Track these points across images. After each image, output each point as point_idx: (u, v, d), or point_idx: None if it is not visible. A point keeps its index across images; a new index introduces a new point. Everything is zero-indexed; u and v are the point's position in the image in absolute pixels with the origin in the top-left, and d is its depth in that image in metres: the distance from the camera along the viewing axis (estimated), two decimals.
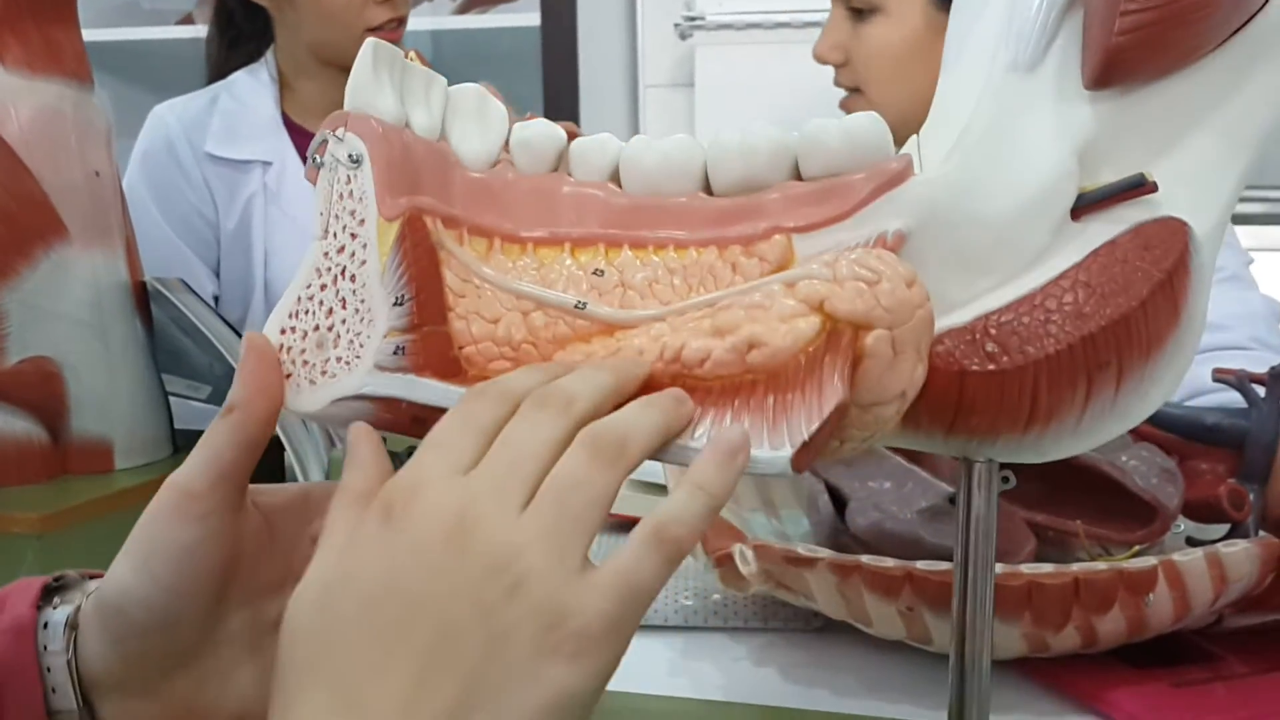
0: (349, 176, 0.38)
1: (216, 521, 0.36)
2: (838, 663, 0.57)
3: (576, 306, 0.37)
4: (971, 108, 0.39)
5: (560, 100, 1.89)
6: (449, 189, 0.39)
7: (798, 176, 0.38)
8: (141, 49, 1.96)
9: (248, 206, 1.34)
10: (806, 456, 0.34)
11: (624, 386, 0.35)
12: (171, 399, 0.92)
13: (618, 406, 0.34)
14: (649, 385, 0.35)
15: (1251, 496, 0.60)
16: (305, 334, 0.38)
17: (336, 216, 0.38)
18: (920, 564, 0.50)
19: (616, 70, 1.96)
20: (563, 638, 0.30)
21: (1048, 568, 0.49)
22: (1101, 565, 0.50)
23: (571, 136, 0.41)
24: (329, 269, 0.38)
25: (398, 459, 0.34)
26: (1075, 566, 0.49)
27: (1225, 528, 0.61)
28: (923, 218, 0.37)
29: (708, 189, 0.39)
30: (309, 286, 0.38)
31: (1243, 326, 1.01)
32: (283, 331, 0.38)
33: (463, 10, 2.02)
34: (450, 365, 0.37)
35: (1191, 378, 0.90)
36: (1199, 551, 0.49)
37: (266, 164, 1.34)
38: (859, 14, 1.18)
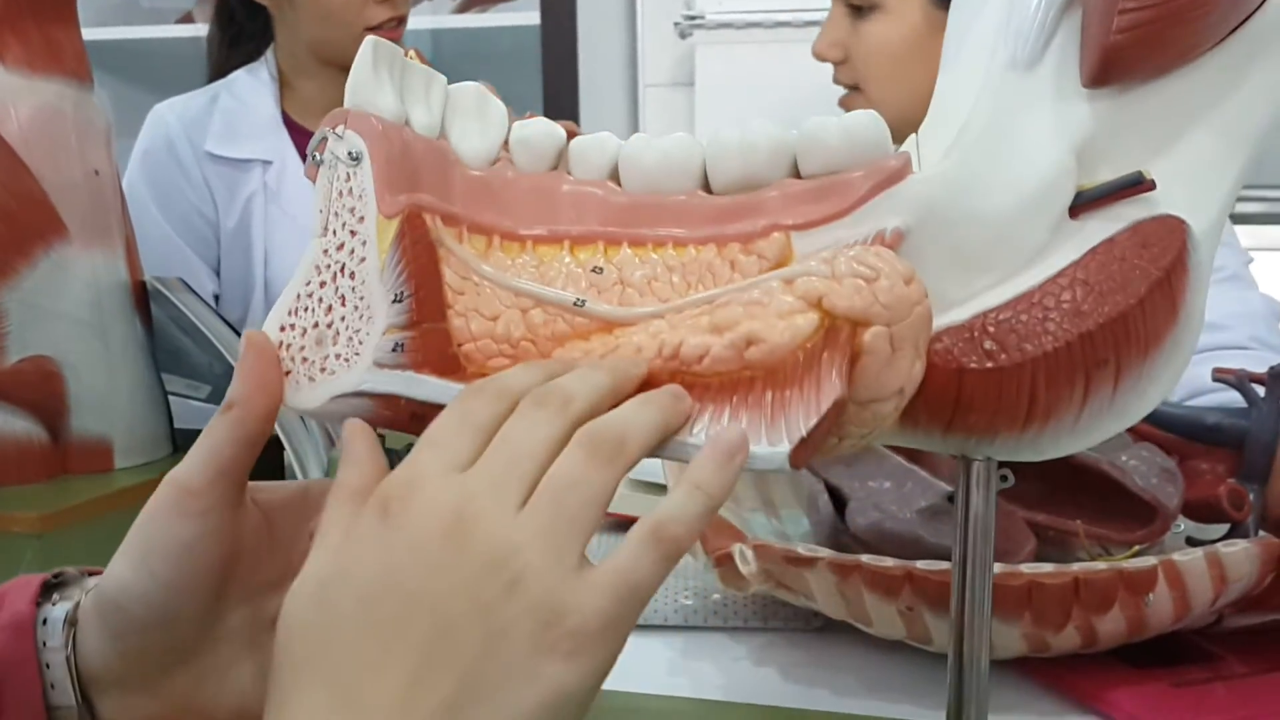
0: (349, 174, 0.38)
1: (216, 518, 0.36)
2: (838, 662, 0.57)
3: (575, 304, 0.37)
4: (970, 106, 0.39)
5: (560, 99, 1.90)
6: (448, 187, 0.39)
7: (797, 174, 0.39)
8: (141, 48, 1.96)
9: (248, 205, 1.34)
10: (804, 452, 0.34)
11: (622, 385, 0.35)
12: (171, 398, 0.92)
13: (616, 404, 0.34)
14: (648, 382, 0.35)
15: (1251, 496, 0.60)
16: (305, 331, 0.38)
17: (336, 214, 0.38)
18: (920, 564, 0.50)
19: (616, 69, 1.96)
20: (560, 635, 0.30)
21: (1048, 567, 0.49)
22: (1101, 565, 0.50)
23: (571, 135, 0.41)
24: (328, 266, 0.38)
25: (397, 456, 0.34)
26: (1075, 566, 0.49)
27: (1225, 527, 0.61)
28: (921, 215, 0.37)
29: (707, 187, 0.39)
30: (308, 284, 0.38)
31: (1242, 326, 1.01)
32: (282, 329, 0.38)
33: (462, 9, 2.02)
34: (449, 362, 0.37)
35: (1191, 377, 0.91)
36: (1199, 551, 0.49)
37: (266, 163, 1.34)
38: (858, 11, 1.18)
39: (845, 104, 1.22)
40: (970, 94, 0.39)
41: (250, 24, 1.37)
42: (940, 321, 0.37)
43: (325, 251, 0.38)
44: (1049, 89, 0.38)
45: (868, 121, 0.38)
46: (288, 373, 0.38)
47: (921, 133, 0.40)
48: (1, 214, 0.80)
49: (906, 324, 0.35)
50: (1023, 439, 0.37)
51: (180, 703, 0.38)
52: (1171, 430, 0.63)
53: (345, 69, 0.39)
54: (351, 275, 0.37)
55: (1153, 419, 0.63)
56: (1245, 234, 1.17)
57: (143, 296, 0.91)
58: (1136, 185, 0.37)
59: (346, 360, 0.37)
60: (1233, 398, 0.63)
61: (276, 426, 0.75)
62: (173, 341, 0.91)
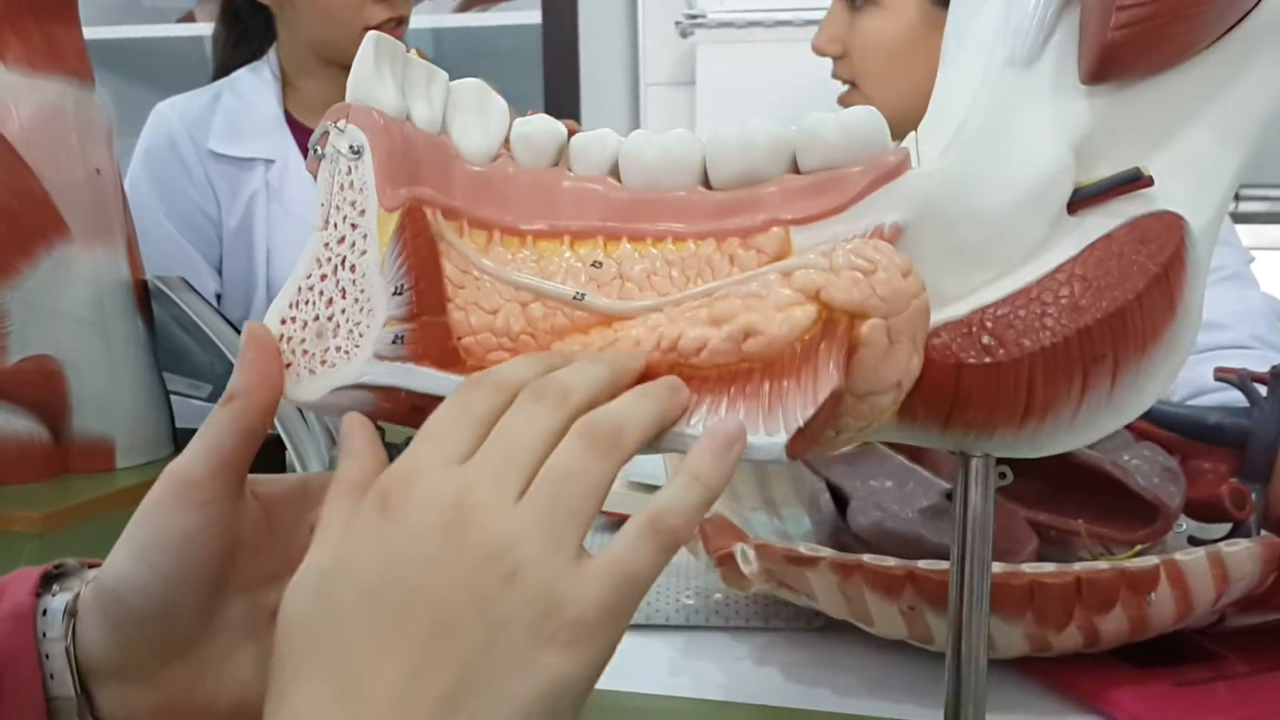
0: (350, 167, 0.38)
1: (216, 510, 0.37)
2: (839, 662, 0.57)
3: (575, 298, 0.38)
4: (969, 103, 0.39)
5: (561, 98, 1.90)
6: (449, 182, 0.40)
7: (796, 170, 0.39)
8: (142, 47, 1.96)
9: (250, 204, 1.34)
10: (801, 443, 0.34)
11: (620, 378, 0.35)
12: (173, 397, 0.92)
13: (614, 397, 0.34)
14: (646, 374, 0.36)
15: (1253, 496, 0.60)
16: (305, 324, 0.38)
17: (337, 207, 0.38)
18: (922, 563, 0.50)
19: (617, 68, 1.96)
20: (558, 626, 0.30)
21: (1050, 567, 0.49)
22: (1103, 564, 0.50)
23: (572, 134, 0.41)
24: (329, 259, 0.38)
25: (396, 451, 0.34)
26: (1077, 566, 0.49)
27: (1227, 527, 0.61)
28: (920, 211, 0.37)
29: (706, 183, 0.39)
30: (309, 277, 0.38)
31: (1244, 325, 1.01)
32: (283, 322, 0.38)
33: (464, 8, 2.02)
34: (449, 355, 0.37)
35: (1193, 376, 0.91)
36: (1201, 551, 0.49)
37: (269, 162, 1.34)
38: (856, 6, 1.18)
39: (844, 101, 1.23)
40: (969, 91, 0.39)
41: (253, 22, 1.37)
42: (938, 317, 0.37)
43: (326, 245, 0.38)
44: (1047, 86, 0.38)
45: (866, 117, 0.38)
46: (288, 365, 0.38)
47: (921, 130, 0.41)
48: (3, 213, 0.80)
49: (904, 317, 0.35)
50: (1021, 435, 0.38)
51: (179, 694, 0.38)
52: (1173, 429, 0.63)
53: (346, 68, 0.39)
54: (352, 268, 0.38)
55: (1154, 418, 0.63)
56: (1246, 233, 1.17)
57: (144, 295, 0.91)
58: (1134, 181, 0.37)
59: (347, 353, 0.37)
60: (1234, 397, 0.63)
61: (278, 425, 0.75)
62: (174, 340, 0.91)
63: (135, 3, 2.10)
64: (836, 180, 0.38)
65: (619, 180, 0.40)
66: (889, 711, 0.52)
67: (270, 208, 1.33)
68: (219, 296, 1.35)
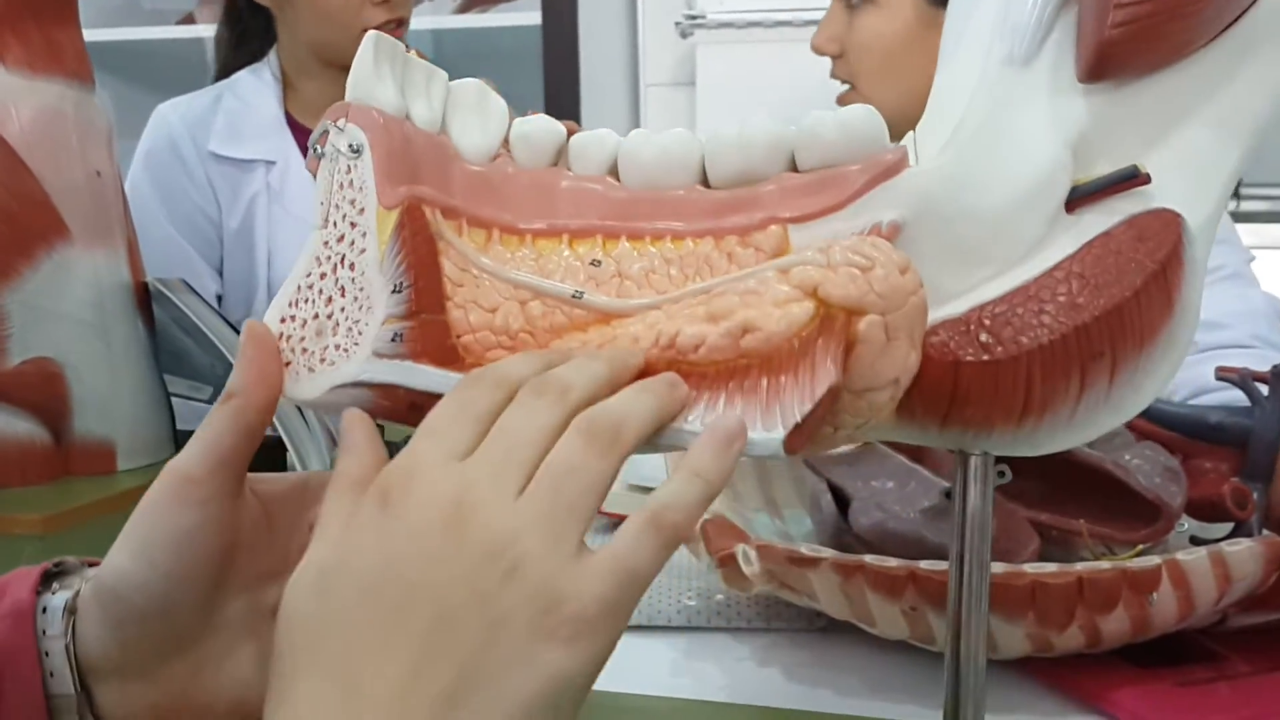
0: (349, 166, 0.38)
1: (215, 507, 0.37)
2: (841, 663, 0.57)
3: (573, 296, 0.38)
4: (967, 102, 0.39)
5: (561, 99, 1.90)
6: (448, 181, 0.40)
7: (795, 169, 0.39)
8: (142, 49, 1.96)
9: (251, 206, 1.34)
10: (799, 439, 0.34)
11: (619, 374, 0.35)
12: (173, 399, 0.92)
13: (613, 393, 0.34)
14: (645, 371, 0.36)
15: (1255, 495, 0.60)
16: (305, 322, 0.38)
17: (336, 206, 0.38)
18: (923, 564, 0.50)
19: (617, 69, 1.96)
20: (559, 622, 0.30)
21: (1051, 567, 0.49)
22: (1105, 564, 0.50)
23: (571, 134, 0.41)
24: (328, 258, 0.38)
25: (396, 450, 0.34)
26: (1079, 566, 0.49)
27: (1229, 526, 0.61)
28: (918, 209, 0.37)
29: (705, 182, 0.39)
30: (309, 275, 0.38)
31: (1244, 324, 1.00)
32: (283, 320, 0.38)
33: (464, 9, 2.02)
34: (448, 353, 0.37)
35: (1194, 376, 0.91)
36: (1203, 551, 0.49)
37: (270, 163, 1.34)
38: (853, 5, 1.19)
39: (842, 101, 1.23)
40: (967, 90, 0.39)
41: (254, 23, 1.37)
42: (936, 314, 0.37)
43: (325, 243, 0.38)
44: (1045, 85, 0.38)
45: (865, 116, 0.38)
46: (287, 364, 0.38)
47: (919, 129, 0.41)
48: (3, 215, 0.80)
49: (901, 313, 0.35)
50: (1019, 433, 0.38)
51: (178, 691, 0.38)
52: (1175, 429, 0.63)
53: (346, 70, 0.39)
54: (351, 266, 0.38)
55: (1156, 418, 0.63)
56: (1246, 232, 1.17)
57: (145, 298, 0.91)
58: (1132, 179, 0.37)
59: (346, 351, 0.37)
60: (1236, 396, 0.63)
61: (279, 427, 0.75)
62: (175, 343, 0.91)
63: (135, 5, 2.10)
64: (835, 178, 0.38)
65: (618, 180, 0.40)
66: (891, 712, 0.52)
67: (271, 209, 1.33)
68: (220, 298, 1.35)
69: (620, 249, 0.39)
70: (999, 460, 0.40)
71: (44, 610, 0.38)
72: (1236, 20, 0.38)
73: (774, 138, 0.38)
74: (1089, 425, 0.38)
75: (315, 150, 0.39)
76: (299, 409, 0.78)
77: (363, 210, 0.38)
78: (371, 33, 0.39)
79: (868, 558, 0.51)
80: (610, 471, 0.33)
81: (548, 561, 0.30)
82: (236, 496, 0.38)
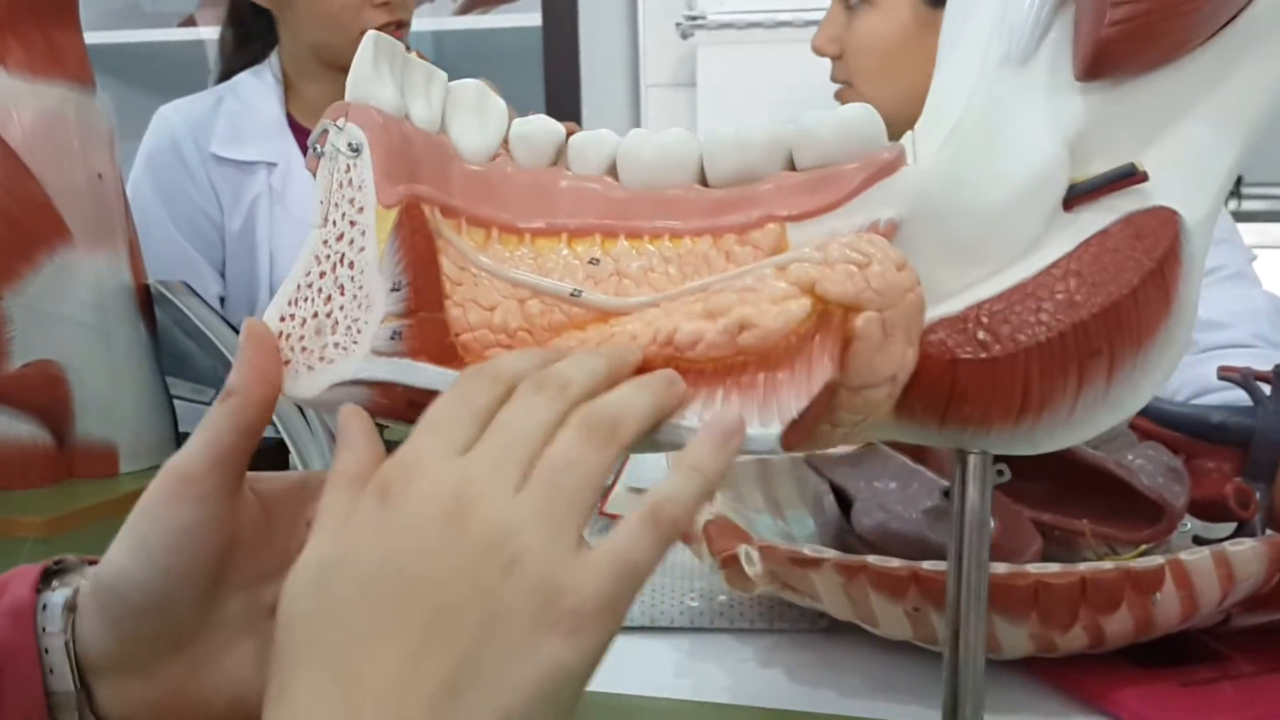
0: (348, 165, 0.38)
1: (214, 505, 0.37)
2: (844, 664, 0.57)
3: (572, 294, 0.38)
4: (964, 101, 0.39)
5: (562, 100, 1.90)
6: (447, 181, 0.40)
7: (793, 168, 0.39)
8: (143, 51, 1.96)
9: (253, 208, 1.34)
10: (796, 435, 0.34)
11: (618, 370, 0.35)
12: (175, 402, 0.92)
13: (612, 389, 0.34)
14: (643, 369, 0.36)
15: (1258, 495, 0.60)
16: (304, 321, 0.38)
17: (336, 205, 0.38)
18: (926, 564, 0.50)
19: (618, 70, 1.96)
20: (559, 615, 0.30)
21: (1054, 567, 0.49)
22: (1108, 565, 0.50)
23: (571, 135, 0.41)
24: (328, 256, 0.38)
25: (393, 449, 0.34)
26: (1082, 566, 0.49)
27: (1232, 526, 0.61)
28: (915, 207, 0.37)
29: (704, 182, 0.40)
30: (308, 274, 0.38)
31: (1246, 324, 1.00)
32: (282, 319, 0.38)
33: (464, 11, 2.02)
34: (446, 351, 0.37)
35: (1197, 376, 0.91)
36: (1206, 550, 0.49)
37: (271, 165, 1.34)
38: (852, 6, 1.19)
39: (840, 100, 1.23)
40: (965, 90, 0.39)
41: (255, 25, 1.37)
42: (934, 313, 0.37)
43: (325, 242, 0.38)
44: (1042, 83, 0.38)
45: (862, 115, 0.38)
46: (287, 362, 0.38)
47: (918, 129, 0.41)
48: (4, 218, 0.80)
49: (898, 310, 0.35)
50: (1018, 431, 0.38)
51: (177, 688, 0.38)
52: (1177, 429, 0.63)
53: (347, 71, 0.39)
54: (350, 265, 0.38)
55: (1158, 418, 0.63)
56: (1248, 231, 1.17)
57: (146, 300, 0.91)
58: (1129, 177, 0.37)
59: (345, 349, 0.37)
60: (1238, 396, 0.63)
61: (281, 430, 0.75)
62: (177, 345, 0.91)
63: (136, 7, 2.10)
64: (832, 177, 0.38)
65: (617, 179, 0.40)
66: (894, 713, 0.52)
67: (273, 211, 1.33)
68: (222, 300, 1.36)
69: (619, 248, 0.39)
70: (998, 459, 0.40)
71: (44, 608, 0.38)
72: (1234, 18, 0.38)
73: (771, 137, 0.38)
74: (1087, 423, 0.38)
75: (315, 149, 0.39)
76: (301, 411, 0.78)
77: (362, 209, 0.38)
78: (371, 32, 0.39)
79: (870, 558, 0.51)
80: (608, 465, 0.33)
81: (547, 555, 0.31)
82: (235, 494, 0.38)
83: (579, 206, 0.40)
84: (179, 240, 1.32)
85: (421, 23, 1.70)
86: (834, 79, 1.23)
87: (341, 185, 0.38)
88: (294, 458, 0.76)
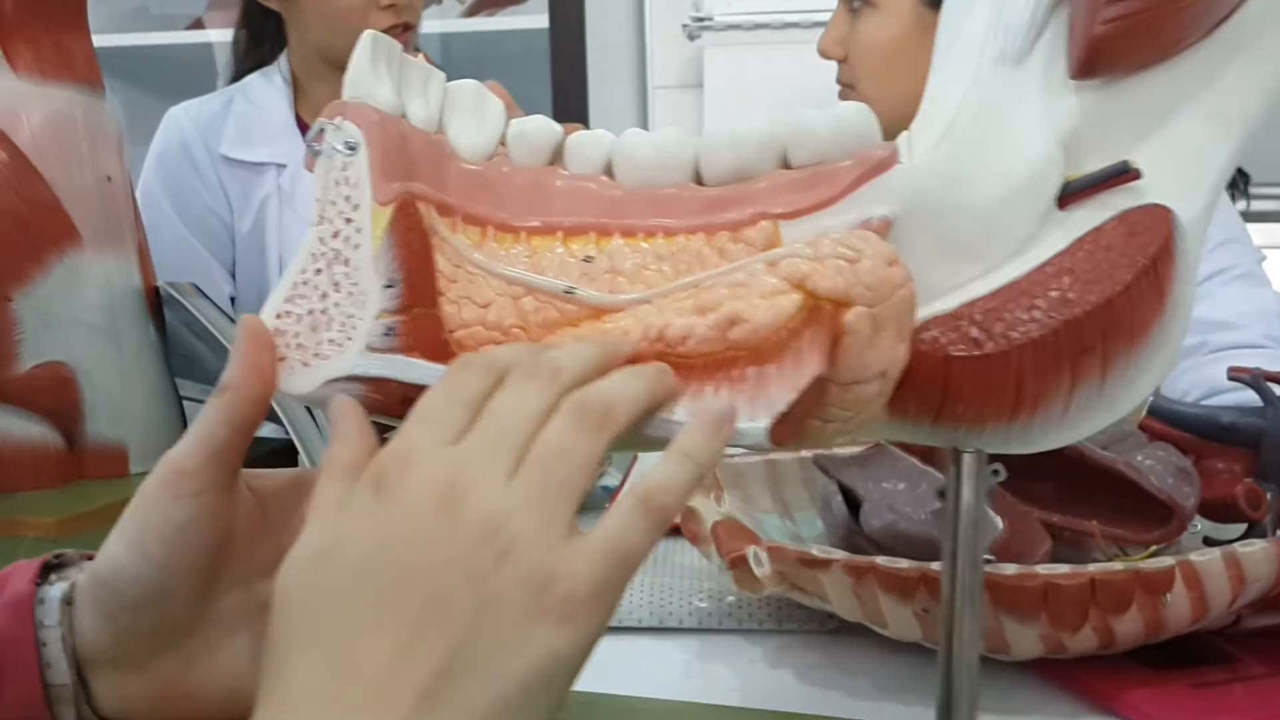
0: (345, 163, 0.38)
1: (208, 500, 0.37)
2: (853, 665, 0.57)
3: (565, 291, 0.38)
4: (960, 100, 0.39)
5: (569, 102, 1.90)
6: (444, 180, 0.40)
7: (787, 167, 0.39)
8: (152, 54, 1.97)
9: (262, 208, 1.34)
10: (784, 429, 0.34)
11: (609, 359, 0.35)
12: (185, 403, 0.93)
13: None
14: (634, 363, 0.36)
15: (1269, 496, 0.59)
16: (300, 317, 0.38)
17: (332, 202, 0.38)
18: (935, 565, 0.50)
19: (625, 72, 1.96)
20: (551, 602, 0.30)
21: (1064, 568, 0.49)
22: (1118, 566, 0.50)
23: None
24: (324, 254, 0.38)
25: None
26: (1092, 567, 0.49)
27: (1242, 527, 0.61)
28: (908, 205, 0.37)
29: (699, 181, 0.40)
30: (304, 271, 0.39)
31: (1256, 324, 1.00)
32: (278, 316, 0.39)
33: (471, 13, 2.02)
34: (440, 348, 0.37)
35: (1207, 376, 0.91)
36: (1216, 551, 0.49)
37: (281, 166, 1.34)
38: (855, 9, 1.19)
39: (842, 100, 1.23)
40: (960, 88, 0.39)
41: (264, 27, 1.38)
42: (927, 310, 0.37)
43: (321, 240, 0.38)
44: (1037, 82, 0.38)
45: (856, 113, 0.38)
46: (282, 359, 0.38)
47: (913, 129, 0.41)
48: (15, 221, 0.81)
49: (889, 305, 0.35)
50: (1012, 429, 0.37)
51: (171, 682, 0.39)
52: (1187, 429, 0.62)
53: None
54: (346, 262, 0.38)
55: (1168, 418, 0.63)
56: (1257, 232, 1.17)
57: (156, 301, 0.91)
58: (1123, 175, 0.37)
59: (339, 345, 0.38)
60: (1248, 397, 0.63)
61: (290, 431, 0.75)
62: (186, 346, 0.92)
63: (144, 10, 2.10)
64: (826, 175, 0.38)
65: (613, 179, 0.40)
66: (903, 714, 0.52)
67: (282, 212, 1.34)
68: (233, 300, 1.36)
69: (613, 245, 0.39)
70: (994, 458, 0.40)
71: (42, 601, 0.38)
72: (1227, 17, 0.38)
73: (766, 135, 0.39)
74: (1083, 422, 0.38)
75: (312, 148, 0.39)
76: (310, 413, 0.78)
77: (357, 206, 0.38)
78: (369, 32, 0.40)
79: (879, 559, 0.51)
80: (599, 452, 0.33)
81: (540, 543, 0.31)
82: (230, 489, 0.38)
83: (575, 205, 0.40)
84: (190, 240, 1.32)
85: (429, 25, 1.70)
86: (839, 81, 1.24)
87: (338, 183, 0.38)
88: (303, 458, 0.76)
